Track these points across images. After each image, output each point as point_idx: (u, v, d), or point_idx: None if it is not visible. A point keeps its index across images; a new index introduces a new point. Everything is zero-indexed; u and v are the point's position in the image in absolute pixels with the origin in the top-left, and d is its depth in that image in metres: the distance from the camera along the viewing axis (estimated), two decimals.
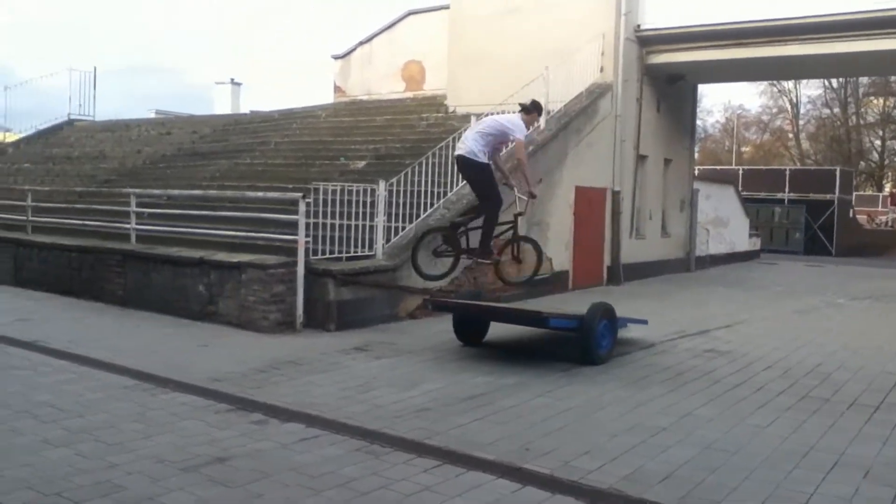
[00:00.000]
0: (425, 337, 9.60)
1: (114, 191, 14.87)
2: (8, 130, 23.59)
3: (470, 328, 9.27)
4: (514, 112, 9.44)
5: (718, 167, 41.91)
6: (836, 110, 48.98)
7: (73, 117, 23.47)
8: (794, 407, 6.87)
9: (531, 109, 9.22)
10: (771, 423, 6.33)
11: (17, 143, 22.66)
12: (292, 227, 9.99)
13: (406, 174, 11.59)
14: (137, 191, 12.76)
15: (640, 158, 17.81)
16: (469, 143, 8.85)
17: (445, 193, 12.22)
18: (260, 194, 12.19)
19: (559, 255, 14.76)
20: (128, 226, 12.02)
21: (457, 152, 9.03)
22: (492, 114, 10.01)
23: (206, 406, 6.41)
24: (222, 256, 10.31)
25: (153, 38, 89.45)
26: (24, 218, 13.89)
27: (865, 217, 39.30)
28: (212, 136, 19.77)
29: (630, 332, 9.72)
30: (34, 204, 14.06)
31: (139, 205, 12.27)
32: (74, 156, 20.52)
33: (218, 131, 20.15)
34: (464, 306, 9.20)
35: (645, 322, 9.84)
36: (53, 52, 79.43)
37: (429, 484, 4.85)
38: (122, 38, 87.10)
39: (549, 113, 14.54)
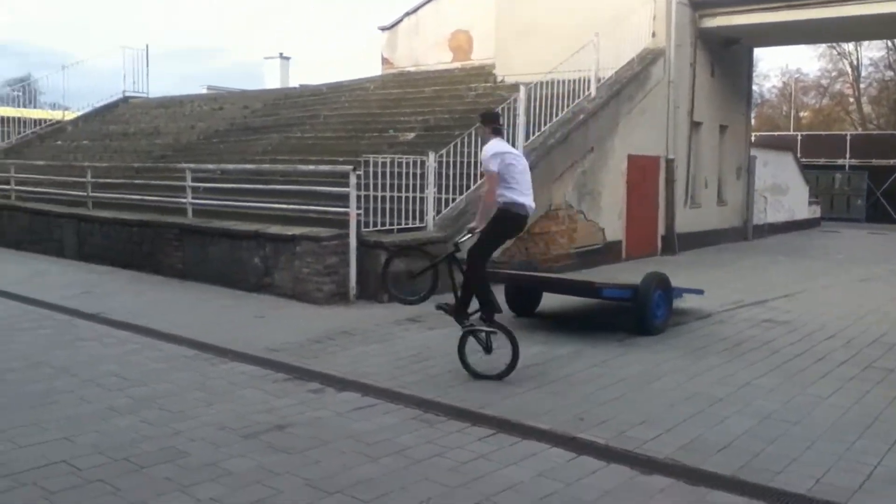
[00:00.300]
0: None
1: (170, 166, 15.13)
2: (66, 109, 24.12)
3: (522, 299, 9.25)
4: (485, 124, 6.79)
5: (776, 133, 40.81)
6: None
7: (127, 94, 23.91)
8: (856, 377, 6.73)
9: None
10: (832, 394, 6.21)
11: (75, 121, 23.19)
12: (344, 199, 10.07)
13: (455, 145, 11.55)
14: (192, 166, 12.95)
15: (695, 125, 17.45)
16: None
17: None
18: (311, 167, 12.28)
19: (612, 224, 14.60)
20: (184, 200, 12.24)
21: (526, 213, 6.63)
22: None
23: (264, 375, 6.54)
24: (277, 229, 10.44)
25: (207, 16, 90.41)
26: (85, 194, 14.24)
27: None
28: (263, 111, 19.96)
29: (686, 302, 9.59)
30: (94, 180, 14.40)
31: (194, 179, 12.47)
32: (130, 132, 20.93)
33: (268, 106, 20.33)
34: (516, 277, 9.18)
35: (701, 292, 9.71)
36: (97, 33, 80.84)
37: (483, 452, 4.88)
38: (178, 15, 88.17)
39: (599, 80, 14.33)
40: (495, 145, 6.58)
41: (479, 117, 6.97)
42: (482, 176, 11.86)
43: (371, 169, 10.36)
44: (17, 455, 4.63)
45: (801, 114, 52.96)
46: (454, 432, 5.24)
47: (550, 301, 9.53)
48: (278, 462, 4.66)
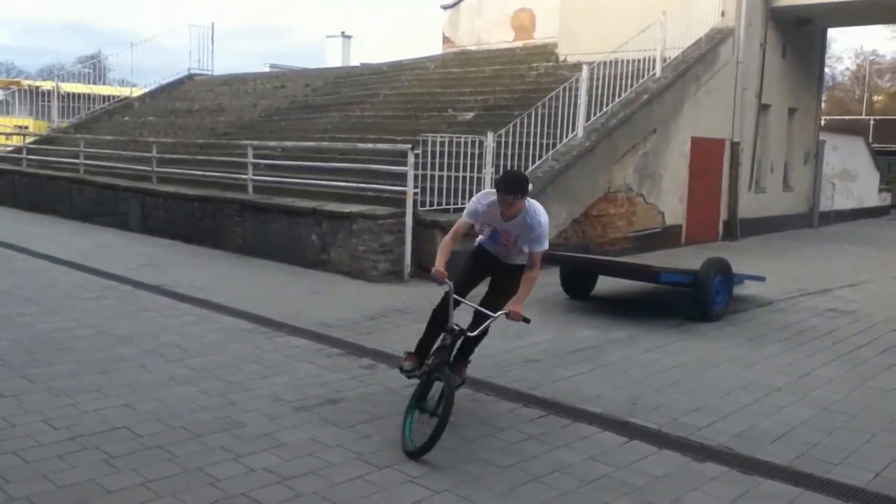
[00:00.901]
0: (532, 289, 9.56)
1: (232, 143, 15.38)
2: (134, 86, 24.72)
3: (577, 282, 9.17)
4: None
5: (847, 117, 39.44)
6: None
7: (193, 72, 24.35)
8: None
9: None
10: None
11: (142, 98, 23.74)
12: (401, 178, 10.11)
13: (514, 125, 11.47)
14: (254, 143, 13.14)
15: (763, 107, 16.98)
16: None
17: (554, 145, 12.04)
18: (370, 146, 12.34)
19: (672, 208, 14.34)
20: (245, 176, 12.43)
21: None
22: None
23: (318, 350, 6.63)
24: (334, 207, 10.54)
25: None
26: (150, 169, 14.59)
27: None
28: (324, 89, 20.12)
29: (747, 289, 9.40)
30: (159, 155, 14.74)
31: (256, 156, 12.65)
32: (195, 109, 21.33)
33: (329, 84, 20.47)
34: (573, 259, 9.10)
35: (762, 279, 9.49)
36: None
37: (534, 433, 4.87)
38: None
39: (665, 60, 14.04)
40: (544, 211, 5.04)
41: (519, 187, 4.76)
42: (541, 156, 11.83)
43: (429, 148, 10.37)
44: (81, 419, 4.80)
45: (875, 97, 51.03)
46: (505, 412, 5.25)
47: (606, 285, 9.43)
48: (330, 435, 4.73)
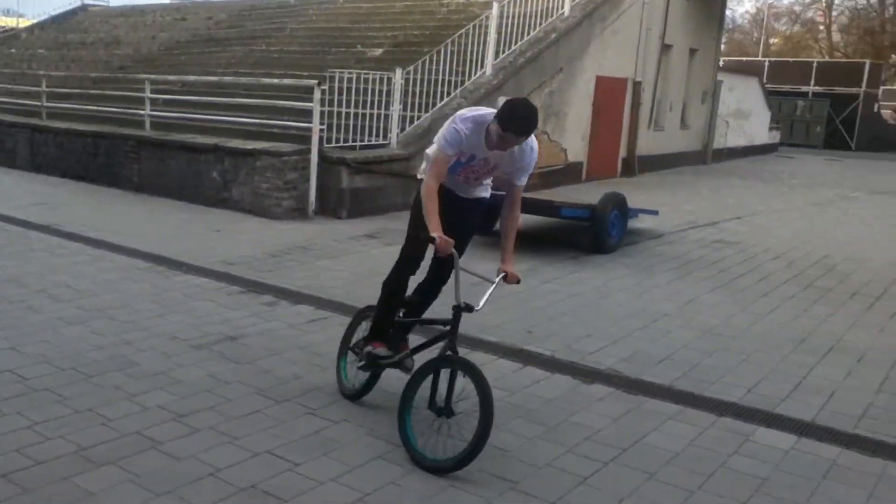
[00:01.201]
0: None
1: (129, 77, 14.72)
2: (21, 16, 23.28)
3: (482, 217, 9.28)
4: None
5: (744, 59, 40.67)
6: (873, 0, 46.86)
7: (87, 2, 23.07)
8: (797, 296, 6.95)
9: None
10: (772, 311, 6.42)
11: (30, 29, 22.39)
12: (307, 114, 9.95)
13: (423, 62, 11.39)
14: (152, 77, 12.63)
15: (665, 48, 17.32)
16: None
17: (463, 82, 12.03)
18: (275, 81, 12.04)
19: (575, 145, 14.60)
20: (143, 112, 11.97)
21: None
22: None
23: (218, 288, 6.54)
24: (237, 143, 10.30)
25: None
26: (39, 104, 13.85)
27: (890, 112, 38.13)
28: (227, 22, 19.39)
29: (641, 222, 9.74)
30: (49, 90, 13.99)
31: (154, 91, 12.18)
32: (89, 42, 20.26)
33: (234, 17, 19.74)
34: None
35: (656, 213, 9.86)
36: None
37: None
38: None
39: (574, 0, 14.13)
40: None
41: (535, 125, 3.81)
42: (449, 94, 11.78)
43: (336, 84, 10.20)
44: None
45: (772, 40, 52.71)
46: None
47: None
48: (229, 371, 4.71)
